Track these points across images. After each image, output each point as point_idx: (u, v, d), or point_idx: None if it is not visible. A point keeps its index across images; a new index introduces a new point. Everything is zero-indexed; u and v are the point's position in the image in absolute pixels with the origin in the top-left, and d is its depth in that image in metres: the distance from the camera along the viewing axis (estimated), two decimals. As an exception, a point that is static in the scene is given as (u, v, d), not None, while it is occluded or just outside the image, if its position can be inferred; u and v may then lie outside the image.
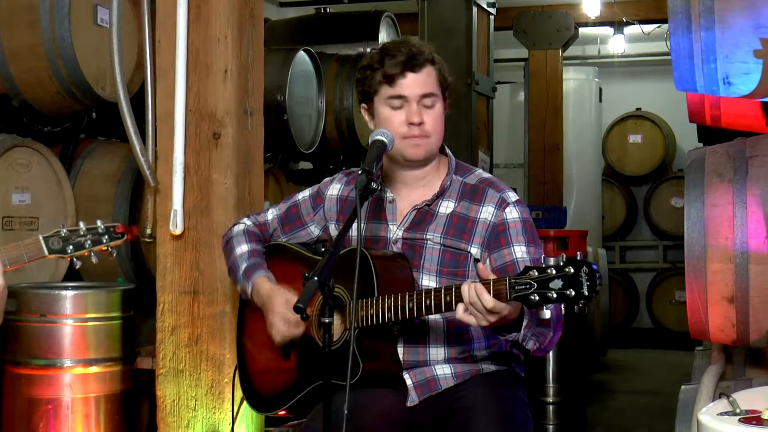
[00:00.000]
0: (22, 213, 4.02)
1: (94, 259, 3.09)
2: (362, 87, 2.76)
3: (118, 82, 3.50)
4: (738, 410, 2.15)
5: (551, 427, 5.71)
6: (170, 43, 3.40)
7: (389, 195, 2.77)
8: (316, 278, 2.24)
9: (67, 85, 4.03)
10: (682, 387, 3.04)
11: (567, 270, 2.24)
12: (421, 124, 2.66)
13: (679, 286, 9.87)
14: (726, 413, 2.14)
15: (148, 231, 3.68)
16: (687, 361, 3.94)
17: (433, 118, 2.69)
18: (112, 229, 3.11)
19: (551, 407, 5.72)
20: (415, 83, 2.67)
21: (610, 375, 8.28)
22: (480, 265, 2.52)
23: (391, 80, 2.67)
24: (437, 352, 2.66)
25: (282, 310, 2.69)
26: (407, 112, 2.67)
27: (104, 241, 3.08)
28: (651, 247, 10.86)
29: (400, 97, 2.67)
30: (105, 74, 4.13)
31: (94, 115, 4.31)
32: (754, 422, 2.06)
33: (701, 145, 4.42)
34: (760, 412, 2.09)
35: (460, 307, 2.37)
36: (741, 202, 2.73)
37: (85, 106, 4.22)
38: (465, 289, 2.35)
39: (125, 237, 3.14)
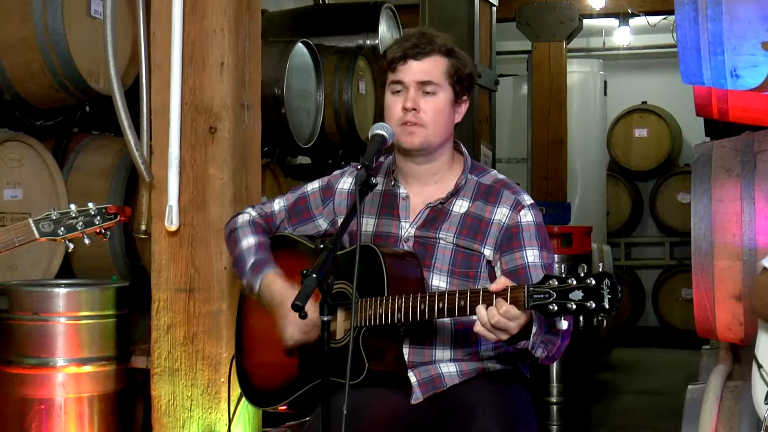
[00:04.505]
0: (14, 209, 3.98)
1: (87, 241, 3.06)
2: (380, 77, 2.78)
3: (112, 75, 3.48)
4: None
5: (555, 427, 5.71)
6: (165, 35, 3.38)
7: (402, 191, 2.74)
8: (314, 276, 2.21)
9: (60, 78, 3.98)
10: (689, 387, 3.01)
11: (588, 281, 2.21)
12: (414, 110, 2.63)
13: (686, 284, 9.84)
14: None
15: (143, 227, 3.68)
16: (694, 360, 3.92)
17: (432, 108, 2.64)
18: (104, 210, 3.09)
19: (555, 407, 5.71)
20: (414, 70, 2.65)
21: (615, 374, 8.28)
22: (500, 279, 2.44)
23: (392, 65, 2.67)
24: (443, 354, 2.63)
25: (295, 317, 2.62)
26: (404, 97, 2.64)
27: (97, 222, 3.06)
28: (657, 244, 10.82)
29: (399, 82, 2.65)
30: (99, 67, 4.08)
31: (87, 108, 4.28)
32: None
33: (708, 139, 4.39)
34: None
35: (477, 323, 2.33)
36: (749, 198, 2.71)
37: (78, 99, 4.18)
38: (483, 311, 2.31)
39: (118, 218, 3.11)
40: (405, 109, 2.63)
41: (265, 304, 2.75)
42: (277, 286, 2.72)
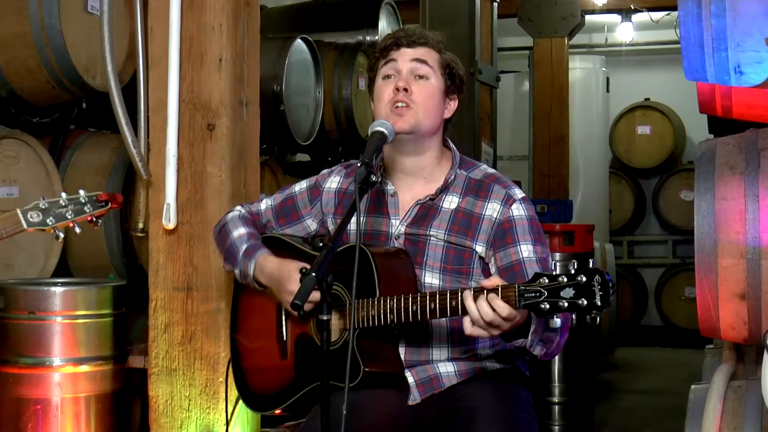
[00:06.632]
0: (10, 206, 3.91)
1: (77, 230, 3.01)
2: (368, 73, 2.75)
3: (109, 72, 3.46)
4: None
5: (557, 427, 5.69)
6: (163, 31, 3.36)
7: (390, 188, 2.71)
8: (314, 274, 2.18)
9: (57, 74, 3.98)
10: (692, 386, 2.98)
11: (579, 278, 2.18)
12: (406, 90, 2.60)
13: (689, 283, 9.81)
14: None
15: (141, 225, 3.67)
16: (697, 359, 3.90)
17: (424, 92, 2.63)
18: (94, 197, 3.03)
19: (557, 407, 5.68)
20: (408, 54, 2.64)
21: (617, 374, 8.25)
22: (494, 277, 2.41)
23: (385, 52, 2.66)
24: (440, 353, 2.60)
25: (297, 279, 2.52)
26: (395, 80, 2.63)
27: (87, 210, 3.00)
28: (660, 242, 10.79)
29: (392, 61, 2.64)
30: (95, 63, 4.08)
31: (84, 105, 4.29)
32: None
33: (712, 136, 4.36)
34: None
35: (467, 321, 2.30)
36: (753, 196, 2.69)
37: (75, 96, 4.18)
38: (472, 305, 2.27)
39: (109, 205, 3.06)
40: (396, 89, 2.60)
41: (265, 283, 2.71)
42: (273, 261, 2.69)
